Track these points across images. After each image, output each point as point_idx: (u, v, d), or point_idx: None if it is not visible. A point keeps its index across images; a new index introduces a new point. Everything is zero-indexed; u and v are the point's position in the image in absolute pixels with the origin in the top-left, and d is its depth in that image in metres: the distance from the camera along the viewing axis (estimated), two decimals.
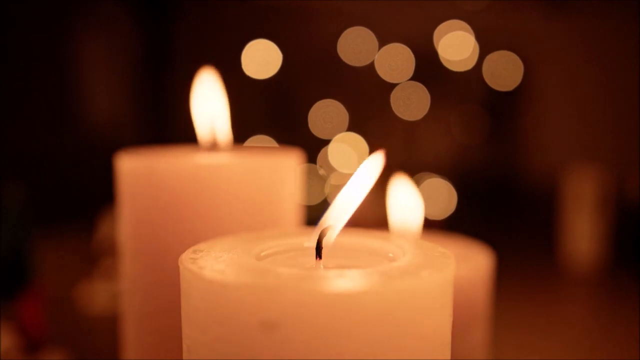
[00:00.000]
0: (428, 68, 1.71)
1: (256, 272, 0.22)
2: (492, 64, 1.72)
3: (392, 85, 1.71)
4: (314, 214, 0.26)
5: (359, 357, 0.20)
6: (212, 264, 0.22)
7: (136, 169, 0.35)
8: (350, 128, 1.68)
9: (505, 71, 1.73)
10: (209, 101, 0.38)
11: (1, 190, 0.81)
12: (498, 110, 1.80)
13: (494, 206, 1.64)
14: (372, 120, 1.77)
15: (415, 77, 1.70)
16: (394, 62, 1.70)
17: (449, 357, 0.23)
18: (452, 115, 1.80)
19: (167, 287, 0.33)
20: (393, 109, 1.70)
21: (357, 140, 1.65)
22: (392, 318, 0.20)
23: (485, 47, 1.70)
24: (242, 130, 0.40)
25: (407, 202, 0.38)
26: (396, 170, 0.39)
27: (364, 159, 0.26)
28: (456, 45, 1.69)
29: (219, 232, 0.31)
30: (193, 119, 0.38)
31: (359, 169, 0.26)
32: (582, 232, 1.18)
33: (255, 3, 1.74)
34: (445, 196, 1.60)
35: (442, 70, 1.72)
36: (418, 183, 1.62)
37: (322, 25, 1.77)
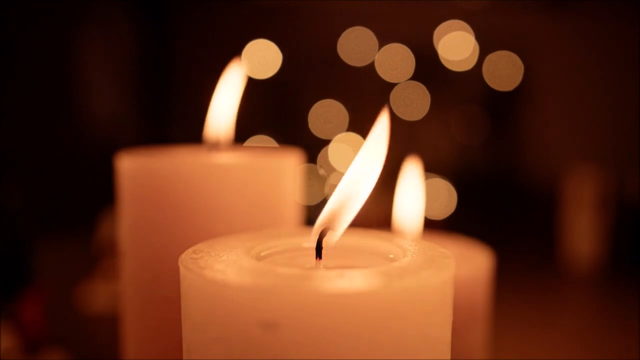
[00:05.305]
0: (428, 68, 1.71)
1: (256, 272, 0.22)
2: (492, 64, 1.72)
3: (392, 85, 1.71)
4: (313, 214, 0.26)
5: (358, 357, 0.20)
6: (212, 264, 0.22)
7: (136, 169, 0.35)
8: (350, 128, 1.68)
9: (505, 71, 1.73)
10: (224, 99, 0.38)
11: (1, 190, 0.81)
12: (498, 110, 1.80)
13: (494, 206, 1.64)
14: (372, 120, 1.76)
15: (415, 77, 1.70)
16: (394, 62, 1.70)
17: (449, 357, 0.23)
18: (452, 115, 1.80)
19: (167, 287, 0.33)
20: (393, 109, 1.70)
21: (357, 140, 1.65)
22: (392, 318, 0.20)
23: (485, 47, 1.70)
24: (242, 130, 0.40)
25: (411, 197, 0.38)
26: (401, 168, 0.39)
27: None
28: (456, 45, 1.69)
29: (219, 232, 0.31)
30: (209, 114, 0.38)
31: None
32: (582, 232, 1.18)
33: (255, 3, 1.74)
34: (445, 196, 1.60)
35: (442, 70, 1.72)
36: None
37: (322, 25, 1.77)
